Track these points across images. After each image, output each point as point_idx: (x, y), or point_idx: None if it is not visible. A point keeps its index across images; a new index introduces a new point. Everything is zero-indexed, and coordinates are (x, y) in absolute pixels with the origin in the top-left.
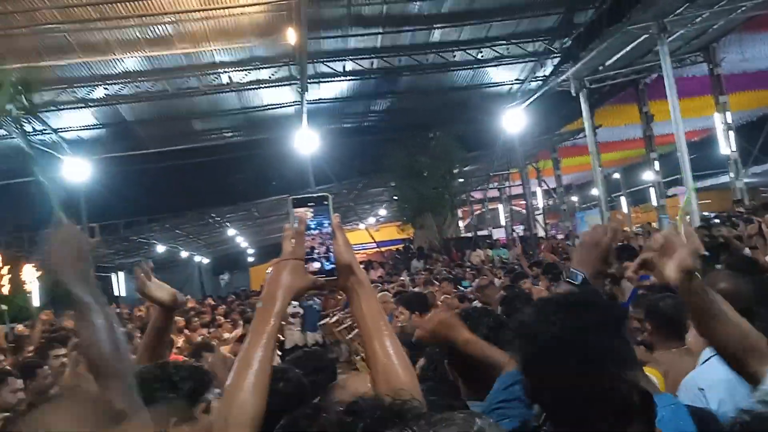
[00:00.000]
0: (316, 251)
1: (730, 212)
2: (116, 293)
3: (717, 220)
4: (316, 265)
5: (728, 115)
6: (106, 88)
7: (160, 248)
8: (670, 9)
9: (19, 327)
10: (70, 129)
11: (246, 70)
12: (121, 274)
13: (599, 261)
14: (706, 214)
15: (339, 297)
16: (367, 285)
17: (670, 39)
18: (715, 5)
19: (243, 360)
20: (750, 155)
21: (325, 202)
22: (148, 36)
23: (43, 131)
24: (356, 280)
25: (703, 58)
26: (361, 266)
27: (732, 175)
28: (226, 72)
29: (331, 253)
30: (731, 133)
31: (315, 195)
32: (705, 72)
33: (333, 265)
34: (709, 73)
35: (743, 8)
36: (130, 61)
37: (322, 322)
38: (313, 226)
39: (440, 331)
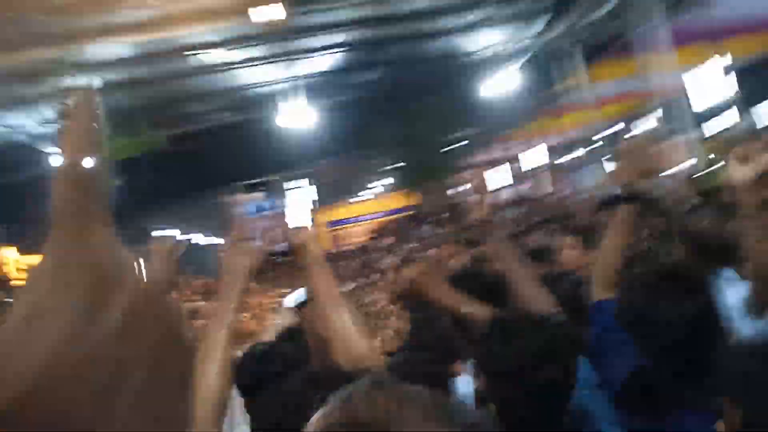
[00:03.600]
0: (271, 231)
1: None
2: None
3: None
4: (271, 245)
5: (728, 58)
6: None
7: (174, 233)
8: None
9: None
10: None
11: (233, 48)
12: None
13: (641, 167)
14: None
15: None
16: (322, 261)
17: None
18: None
19: (206, 346)
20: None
21: (278, 186)
22: (129, 21)
23: (46, 123)
24: (312, 257)
25: (697, 4)
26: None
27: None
28: (214, 52)
29: (285, 233)
30: (731, 76)
31: (266, 180)
32: (700, 20)
33: (286, 245)
34: (704, 19)
35: None
36: (114, 48)
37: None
38: (267, 209)
39: (418, 284)
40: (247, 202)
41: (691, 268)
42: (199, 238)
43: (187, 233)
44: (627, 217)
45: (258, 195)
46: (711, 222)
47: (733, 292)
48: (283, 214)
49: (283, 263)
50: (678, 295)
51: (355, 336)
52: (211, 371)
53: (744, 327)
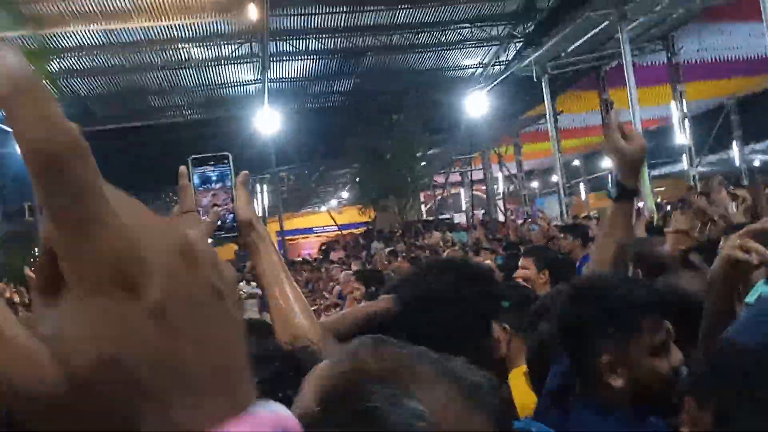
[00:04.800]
0: (218, 207)
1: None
2: None
3: (668, 207)
4: (217, 219)
5: (684, 104)
6: (59, 62)
7: None
8: None
9: None
10: None
11: (206, 46)
12: None
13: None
14: (658, 201)
15: (298, 279)
16: (268, 240)
17: (630, 27)
18: None
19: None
20: (705, 144)
21: (226, 161)
22: (104, 8)
23: None
24: (257, 235)
25: (662, 47)
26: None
27: (687, 163)
28: (185, 47)
29: (232, 210)
30: (687, 122)
31: (216, 155)
32: (664, 61)
33: (234, 222)
34: (668, 61)
35: None
36: (86, 35)
37: None
38: (215, 184)
39: None
40: (194, 175)
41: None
42: None
43: None
44: (622, 214)
45: (206, 168)
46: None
47: None
48: (230, 190)
49: (226, 239)
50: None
51: (295, 311)
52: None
53: None
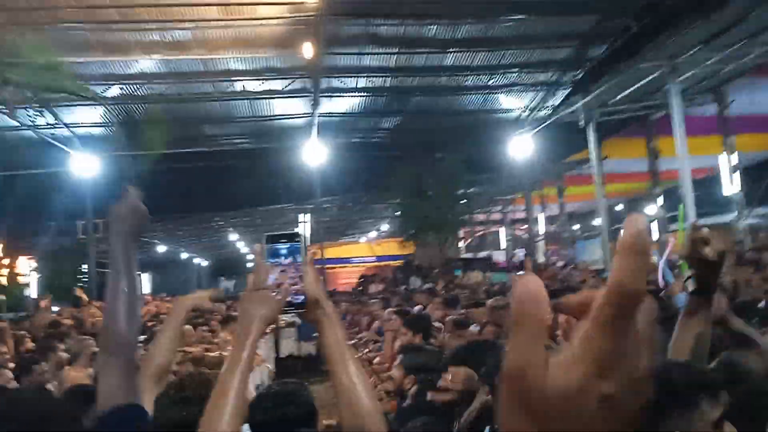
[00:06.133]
0: (289, 285)
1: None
2: None
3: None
4: (287, 297)
5: (734, 155)
6: (121, 88)
7: (161, 248)
8: (682, 50)
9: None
10: (81, 125)
11: (260, 79)
12: None
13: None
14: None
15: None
16: (334, 317)
17: (681, 78)
18: (727, 49)
19: (219, 390)
20: (755, 196)
21: (297, 239)
22: (166, 39)
23: (55, 125)
24: (323, 312)
25: (712, 99)
26: (329, 296)
27: (735, 214)
28: (240, 80)
29: (301, 287)
30: (737, 174)
31: (288, 232)
32: (713, 112)
33: (302, 298)
34: (718, 113)
35: (755, 53)
36: (147, 63)
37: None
38: (285, 262)
39: None
40: (267, 251)
41: None
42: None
43: (176, 249)
44: (698, 307)
45: (279, 244)
46: None
47: None
48: (299, 267)
49: (295, 314)
50: None
51: (360, 392)
52: (223, 417)
53: None
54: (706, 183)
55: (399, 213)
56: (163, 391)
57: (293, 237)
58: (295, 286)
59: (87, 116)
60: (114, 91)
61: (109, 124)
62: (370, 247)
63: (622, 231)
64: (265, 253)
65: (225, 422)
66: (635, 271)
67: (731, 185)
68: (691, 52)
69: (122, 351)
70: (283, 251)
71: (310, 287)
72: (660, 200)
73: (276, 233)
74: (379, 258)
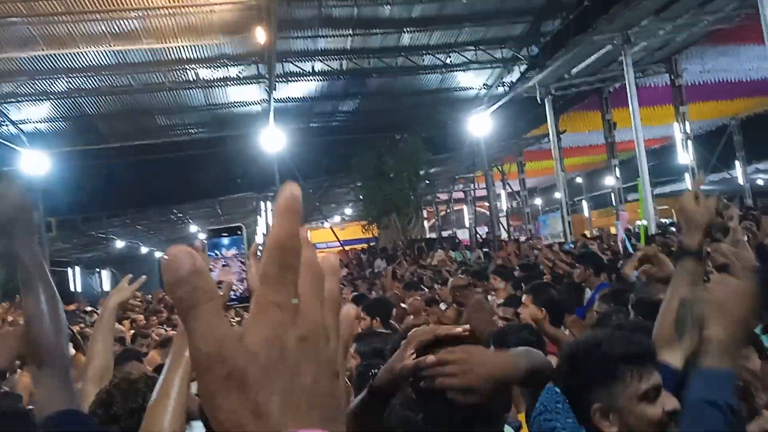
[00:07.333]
0: (235, 279)
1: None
2: (72, 288)
3: (673, 228)
4: (230, 290)
5: (687, 124)
6: (68, 81)
7: (119, 243)
8: (634, 21)
9: None
10: (29, 121)
11: (213, 67)
12: (78, 269)
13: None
14: (663, 220)
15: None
16: None
17: (634, 50)
18: (678, 19)
19: (162, 390)
20: (708, 164)
21: (239, 232)
22: (113, 30)
23: (2, 123)
24: None
25: (665, 69)
26: None
27: (689, 182)
28: (192, 68)
29: (244, 281)
30: (690, 142)
31: (229, 226)
32: (667, 82)
33: (246, 293)
34: (671, 83)
35: (705, 22)
36: (94, 55)
37: None
38: (228, 255)
39: None
40: (209, 246)
41: None
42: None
43: (135, 244)
44: (685, 272)
45: (222, 240)
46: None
47: None
48: (243, 261)
49: (239, 308)
50: None
51: None
52: (166, 417)
53: None
54: (662, 152)
55: (362, 196)
56: (90, 409)
57: (235, 230)
58: (240, 281)
59: (35, 113)
60: (61, 85)
61: (58, 119)
62: (335, 232)
63: (278, 195)
64: (206, 248)
65: (167, 421)
66: (291, 229)
67: (685, 154)
68: (644, 22)
69: (54, 359)
70: (225, 245)
71: (254, 280)
72: (617, 171)
73: (217, 227)
74: (344, 242)
